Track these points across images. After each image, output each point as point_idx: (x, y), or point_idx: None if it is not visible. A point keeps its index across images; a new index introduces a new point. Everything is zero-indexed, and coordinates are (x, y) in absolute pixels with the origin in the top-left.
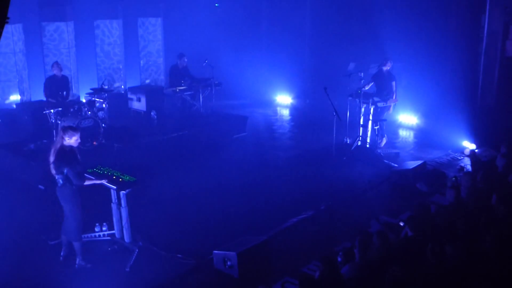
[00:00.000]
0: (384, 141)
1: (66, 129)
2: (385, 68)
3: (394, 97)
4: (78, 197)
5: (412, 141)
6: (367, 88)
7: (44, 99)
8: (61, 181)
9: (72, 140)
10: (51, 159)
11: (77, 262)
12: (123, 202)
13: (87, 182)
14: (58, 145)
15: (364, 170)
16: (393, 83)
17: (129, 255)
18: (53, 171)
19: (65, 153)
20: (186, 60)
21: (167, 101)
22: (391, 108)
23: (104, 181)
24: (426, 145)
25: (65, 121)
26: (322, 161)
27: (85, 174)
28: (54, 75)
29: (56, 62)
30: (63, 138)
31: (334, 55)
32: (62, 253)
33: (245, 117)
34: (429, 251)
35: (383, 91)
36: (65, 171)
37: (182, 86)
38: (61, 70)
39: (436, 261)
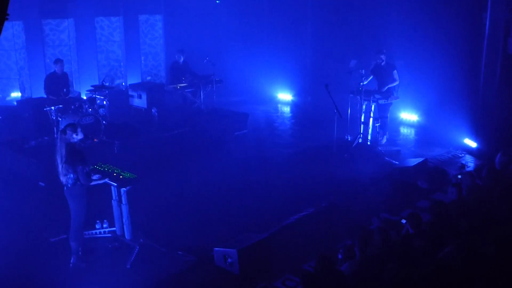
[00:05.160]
0: (385, 138)
1: (70, 127)
2: (378, 60)
3: (396, 84)
4: (85, 197)
5: (413, 139)
6: (366, 82)
7: (45, 96)
8: (71, 181)
9: (79, 134)
10: (61, 161)
11: (71, 261)
12: (123, 199)
13: (93, 182)
14: (64, 146)
15: (365, 168)
16: (395, 71)
17: (130, 252)
18: (64, 173)
19: (76, 151)
20: (184, 55)
21: (168, 98)
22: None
23: (106, 179)
24: (427, 142)
25: (65, 118)
26: (323, 158)
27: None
28: (55, 72)
29: (61, 60)
30: (69, 138)
31: (335, 52)
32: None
33: (246, 114)
34: (430, 249)
35: (385, 83)
36: (79, 169)
37: (183, 83)
38: (63, 68)
39: (437, 259)
